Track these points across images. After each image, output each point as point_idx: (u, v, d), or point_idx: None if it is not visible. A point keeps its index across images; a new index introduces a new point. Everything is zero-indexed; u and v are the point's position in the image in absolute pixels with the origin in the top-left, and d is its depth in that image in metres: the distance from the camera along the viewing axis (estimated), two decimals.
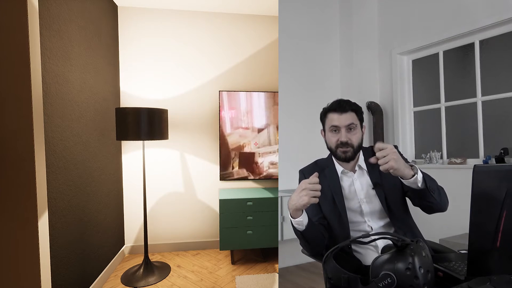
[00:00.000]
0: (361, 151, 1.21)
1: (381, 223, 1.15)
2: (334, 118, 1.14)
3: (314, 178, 0.95)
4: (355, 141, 1.14)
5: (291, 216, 1.01)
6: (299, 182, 1.24)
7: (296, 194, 0.96)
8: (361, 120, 1.17)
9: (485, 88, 2.36)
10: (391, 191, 1.14)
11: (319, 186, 0.94)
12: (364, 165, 1.18)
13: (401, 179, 0.99)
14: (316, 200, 0.94)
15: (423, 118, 2.80)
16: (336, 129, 1.14)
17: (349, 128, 1.13)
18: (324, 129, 1.21)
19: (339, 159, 1.16)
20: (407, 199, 1.19)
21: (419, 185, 0.98)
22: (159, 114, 2.19)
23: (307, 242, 1.06)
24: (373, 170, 1.17)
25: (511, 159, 2.14)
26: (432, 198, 0.99)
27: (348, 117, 1.13)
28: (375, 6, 3.04)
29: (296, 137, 2.88)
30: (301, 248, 1.19)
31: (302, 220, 1.00)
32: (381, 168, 0.95)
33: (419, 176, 0.97)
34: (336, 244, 1.15)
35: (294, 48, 2.91)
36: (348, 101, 1.16)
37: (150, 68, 2.73)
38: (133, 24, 2.68)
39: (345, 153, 1.13)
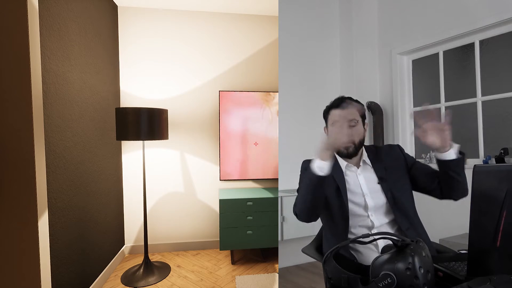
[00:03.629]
0: (363, 148, 1.22)
1: (386, 219, 1.15)
2: (336, 114, 1.17)
3: None
4: (356, 137, 1.16)
5: (319, 159, 1.01)
6: (302, 171, 1.23)
7: (334, 133, 1.00)
8: (363, 117, 1.19)
9: (485, 88, 2.36)
10: (397, 186, 1.15)
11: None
12: (368, 161, 1.21)
13: (436, 154, 1.04)
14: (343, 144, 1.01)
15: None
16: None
17: (351, 124, 1.16)
18: (327, 126, 1.24)
19: (341, 155, 1.19)
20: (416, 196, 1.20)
21: (454, 154, 1.02)
22: (159, 114, 2.19)
23: (314, 195, 1.04)
24: (378, 165, 1.19)
25: (511, 159, 2.14)
26: (463, 171, 1.04)
27: (350, 113, 1.16)
28: (375, 6, 3.04)
29: (296, 137, 2.88)
30: (301, 247, 1.19)
31: (328, 166, 1.01)
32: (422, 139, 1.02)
33: (455, 146, 1.03)
34: (336, 240, 1.15)
35: (294, 48, 2.91)
36: (350, 98, 1.19)
37: (150, 68, 2.73)
38: (133, 24, 2.68)
39: (347, 148, 1.17)
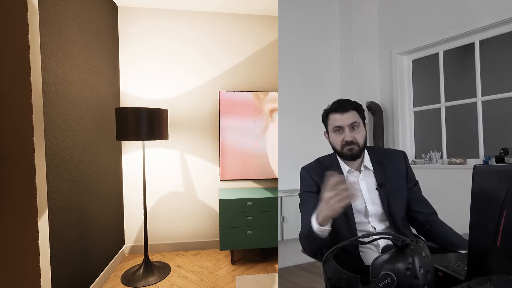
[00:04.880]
0: (366, 151, 1.20)
1: (383, 226, 1.14)
2: (337, 119, 1.14)
3: (337, 177, 0.90)
4: (360, 139, 1.14)
5: (319, 225, 0.97)
6: (301, 180, 1.23)
7: (324, 203, 0.92)
8: (363, 118, 1.17)
9: (485, 88, 2.36)
10: (394, 195, 1.13)
11: (345, 186, 0.88)
12: (370, 165, 1.18)
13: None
14: (349, 202, 0.90)
15: (423, 118, 2.80)
16: (339, 129, 1.14)
17: (352, 127, 1.13)
18: (327, 131, 1.20)
19: (346, 158, 1.16)
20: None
21: None
22: (159, 114, 2.19)
23: (320, 247, 1.04)
24: (380, 171, 1.16)
25: (511, 159, 2.14)
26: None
27: (350, 116, 1.13)
28: (375, 6, 3.04)
29: (296, 136, 2.88)
30: (301, 248, 1.19)
31: (329, 228, 0.98)
32: None
33: None
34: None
35: (294, 48, 2.91)
36: (348, 100, 1.15)
37: (150, 68, 2.73)
38: (133, 24, 2.68)
39: (351, 150, 1.13)
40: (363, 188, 1.16)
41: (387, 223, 1.14)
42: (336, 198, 0.89)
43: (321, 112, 1.24)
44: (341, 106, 1.14)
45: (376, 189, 1.15)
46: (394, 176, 1.17)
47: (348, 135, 1.12)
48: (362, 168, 1.18)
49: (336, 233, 1.15)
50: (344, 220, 1.13)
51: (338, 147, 1.15)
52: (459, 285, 0.71)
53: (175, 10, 2.75)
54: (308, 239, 1.04)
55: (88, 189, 2.03)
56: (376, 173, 1.16)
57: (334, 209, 0.90)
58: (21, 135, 1.36)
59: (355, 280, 0.80)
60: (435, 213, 1.18)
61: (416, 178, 1.24)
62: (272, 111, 2.88)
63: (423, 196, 1.20)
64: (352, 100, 1.17)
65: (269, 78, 2.95)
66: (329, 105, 1.19)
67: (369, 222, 1.13)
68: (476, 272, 0.75)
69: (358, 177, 1.17)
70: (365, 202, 1.14)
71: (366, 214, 1.14)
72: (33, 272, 1.40)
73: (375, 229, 1.13)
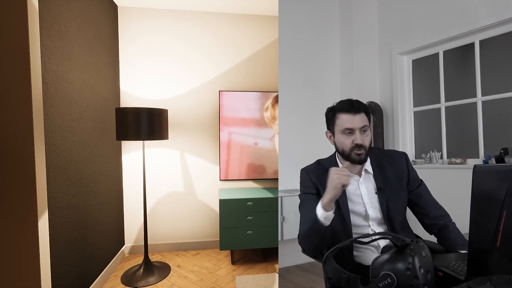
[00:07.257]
0: None
1: (383, 229, 1.14)
2: (348, 120, 1.09)
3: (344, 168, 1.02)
4: (367, 143, 1.11)
5: (323, 209, 1.01)
6: (301, 181, 1.23)
7: (328, 186, 1.00)
8: (369, 121, 1.14)
9: (485, 88, 2.36)
10: (394, 200, 1.12)
11: (346, 170, 1.00)
12: (370, 169, 1.16)
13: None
14: (347, 182, 0.99)
15: (423, 118, 2.80)
16: (350, 131, 1.09)
17: (363, 130, 1.09)
18: (332, 131, 1.16)
19: (353, 161, 1.12)
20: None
21: None
22: (159, 114, 2.19)
23: (321, 239, 1.05)
24: (379, 174, 1.15)
25: (511, 159, 2.14)
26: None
27: (362, 119, 1.09)
28: (375, 6, 3.04)
29: (296, 136, 2.88)
30: (301, 248, 1.19)
31: (332, 214, 1.01)
32: None
33: None
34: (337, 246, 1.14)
35: (294, 48, 2.90)
36: (359, 101, 1.11)
37: (150, 68, 2.73)
38: (133, 24, 2.68)
39: (359, 155, 1.10)
40: (363, 192, 1.14)
41: (384, 227, 1.14)
42: (337, 176, 0.99)
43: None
44: (354, 106, 1.09)
45: (376, 193, 1.14)
46: (394, 179, 1.15)
47: (359, 138, 1.08)
48: (362, 172, 1.16)
49: (333, 235, 1.15)
50: (340, 222, 1.13)
51: (347, 149, 1.11)
52: (459, 285, 0.71)
53: (175, 10, 2.75)
54: (311, 232, 1.05)
55: (88, 189, 2.03)
56: (376, 176, 1.15)
57: (336, 187, 0.99)
58: (21, 135, 1.36)
59: (355, 280, 0.80)
60: (444, 216, 1.14)
61: None
62: (271, 111, 2.88)
63: (431, 197, 1.17)
64: (357, 100, 1.13)
65: (269, 78, 2.95)
66: (337, 104, 1.13)
67: (369, 226, 1.13)
68: (476, 272, 0.75)
69: (358, 180, 1.16)
70: (365, 206, 1.13)
71: (366, 217, 1.13)
72: (33, 272, 1.40)
73: (375, 232, 1.12)
